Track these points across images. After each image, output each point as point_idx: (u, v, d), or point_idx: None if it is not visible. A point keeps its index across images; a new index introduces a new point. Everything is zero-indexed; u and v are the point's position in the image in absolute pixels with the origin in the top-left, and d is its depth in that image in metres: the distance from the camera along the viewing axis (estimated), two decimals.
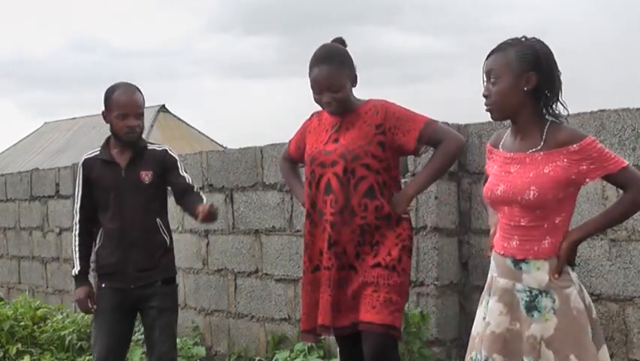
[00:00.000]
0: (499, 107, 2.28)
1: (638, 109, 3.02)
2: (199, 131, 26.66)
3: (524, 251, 2.24)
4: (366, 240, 2.85)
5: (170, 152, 3.44)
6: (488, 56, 2.31)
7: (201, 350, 4.79)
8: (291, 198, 4.36)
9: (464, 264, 3.65)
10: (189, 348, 4.77)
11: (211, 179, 4.90)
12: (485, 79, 2.31)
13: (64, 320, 5.44)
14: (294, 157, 3.20)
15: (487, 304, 2.33)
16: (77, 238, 3.42)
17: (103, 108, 3.35)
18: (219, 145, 22.16)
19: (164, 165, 3.37)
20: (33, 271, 6.95)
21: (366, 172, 2.84)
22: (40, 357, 5.20)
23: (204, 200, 3.30)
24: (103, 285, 3.38)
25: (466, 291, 3.63)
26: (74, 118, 29.50)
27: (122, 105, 3.26)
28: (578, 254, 3.05)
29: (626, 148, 2.98)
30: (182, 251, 5.01)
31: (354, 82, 2.96)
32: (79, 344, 5.21)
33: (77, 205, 3.44)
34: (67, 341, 5.22)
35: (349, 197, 2.85)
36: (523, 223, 2.24)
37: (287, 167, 3.28)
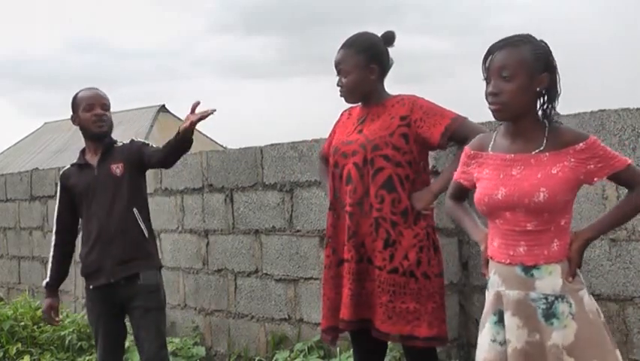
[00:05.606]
0: (509, 107, 2.12)
1: (638, 109, 3.02)
2: (199, 131, 26.66)
3: (534, 257, 2.12)
4: (380, 235, 2.77)
5: (135, 138, 3.55)
6: (496, 50, 2.13)
7: (201, 350, 4.79)
8: (291, 198, 4.35)
9: (464, 264, 3.65)
10: (189, 348, 4.77)
11: (211, 179, 4.89)
12: (493, 75, 2.13)
13: (64, 320, 5.43)
14: (326, 154, 3.13)
15: (495, 324, 2.20)
16: (52, 249, 3.54)
17: (71, 114, 3.45)
18: (219, 145, 22.16)
19: (133, 149, 3.43)
20: (33, 271, 6.95)
21: (385, 163, 2.78)
22: (40, 357, 5.20)
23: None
24: (90, 286, 3.41)
25: (466, 291, 3.63)
26: None
27: (87, 98, 3.40)
28: None
29: (626, 148, 2.98)
30: (182, 251, 5.02)
31: (374, 73, 2.87)
32: (79, 344, 5.21)
33: (55, 216, 3.52)
34: (67, 341, 5.22)
35: (368, 188, 2.80)
36: (529, 228, 2.12)
37: (321, 167, 3.26)
